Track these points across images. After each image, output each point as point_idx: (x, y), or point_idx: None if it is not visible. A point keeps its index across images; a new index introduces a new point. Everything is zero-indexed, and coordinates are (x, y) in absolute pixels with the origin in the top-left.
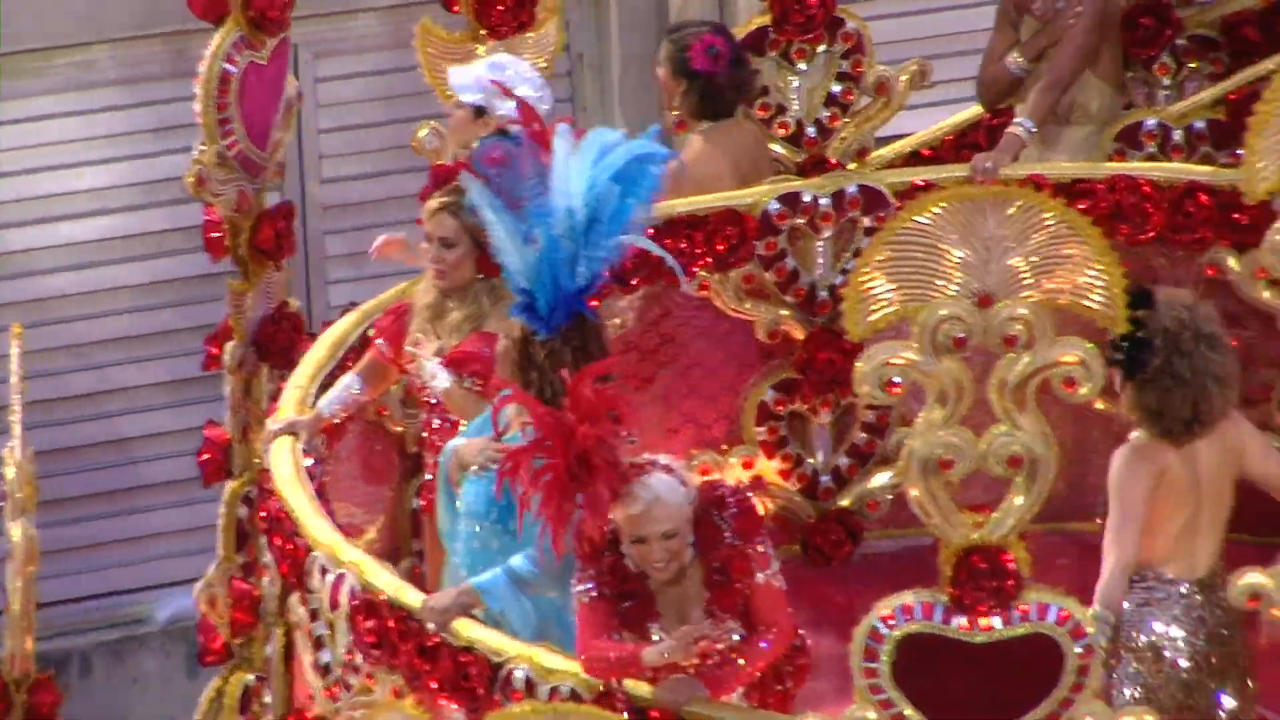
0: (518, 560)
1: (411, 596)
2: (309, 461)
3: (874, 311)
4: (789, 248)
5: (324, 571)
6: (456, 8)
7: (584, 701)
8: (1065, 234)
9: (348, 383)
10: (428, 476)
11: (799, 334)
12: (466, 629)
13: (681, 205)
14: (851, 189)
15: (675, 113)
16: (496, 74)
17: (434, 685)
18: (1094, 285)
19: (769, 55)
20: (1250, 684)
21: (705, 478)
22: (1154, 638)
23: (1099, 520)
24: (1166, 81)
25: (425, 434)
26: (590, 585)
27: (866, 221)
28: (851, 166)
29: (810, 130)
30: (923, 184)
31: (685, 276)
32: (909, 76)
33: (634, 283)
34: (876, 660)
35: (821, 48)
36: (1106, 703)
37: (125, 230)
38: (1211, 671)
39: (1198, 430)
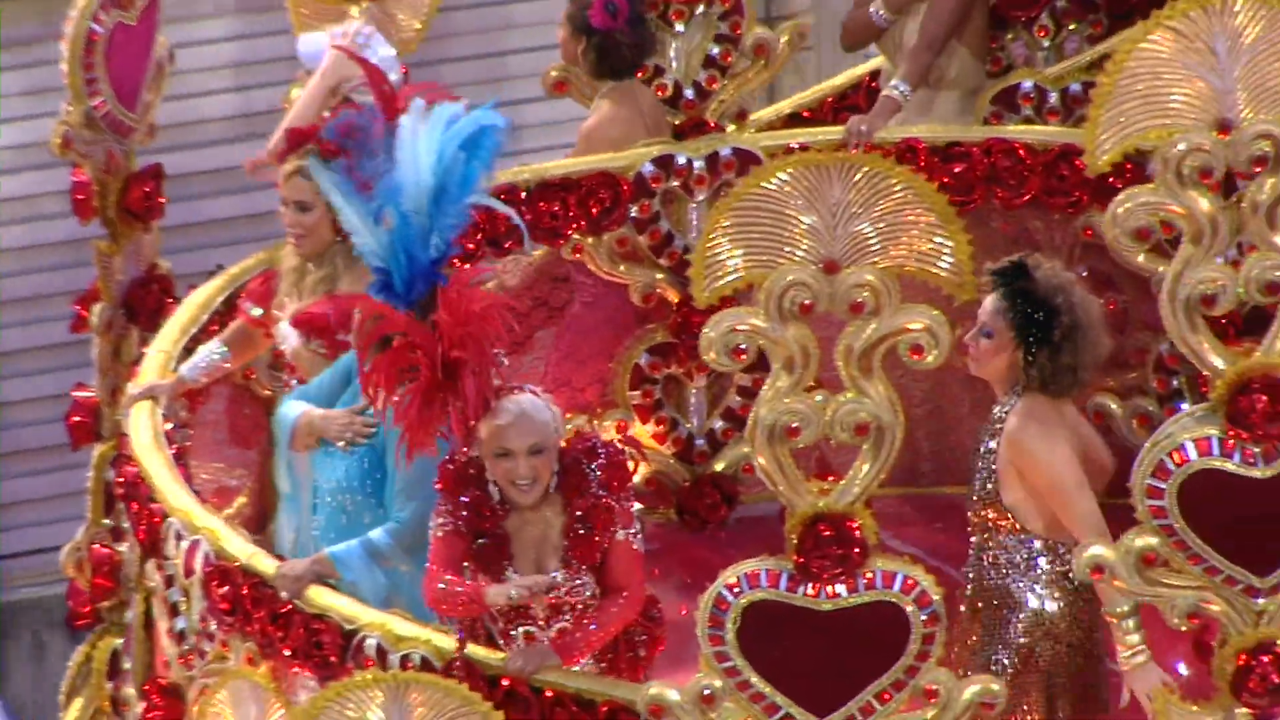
0: (376, 533)
1: (265, 563)
2: (170, 426)
3: (720, 277)
4: (663, 211)
5: (179, 538)
6: None
7: (434, 670)
8: (912, 201)
9: (212, 348)
10: None
11: (674, 297)
12: (319, 596)
13: (555, 168)
14: (725, 152)
15: (555, 73)
16: (342, 42)
17: (287, 653)
18: (941, 252)
19: (647, 16)
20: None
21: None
22: (1043, 605)
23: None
24: (1046, 43)
25: None
26: (446, 520)
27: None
28: (730, 129)
29: (688, 92)
30: (797, 146)
31: (531, 237)
32: (788, 38)
33: (507, 246)
34: (722, 628)
35: (699, 9)
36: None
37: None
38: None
39: (1085, 380)
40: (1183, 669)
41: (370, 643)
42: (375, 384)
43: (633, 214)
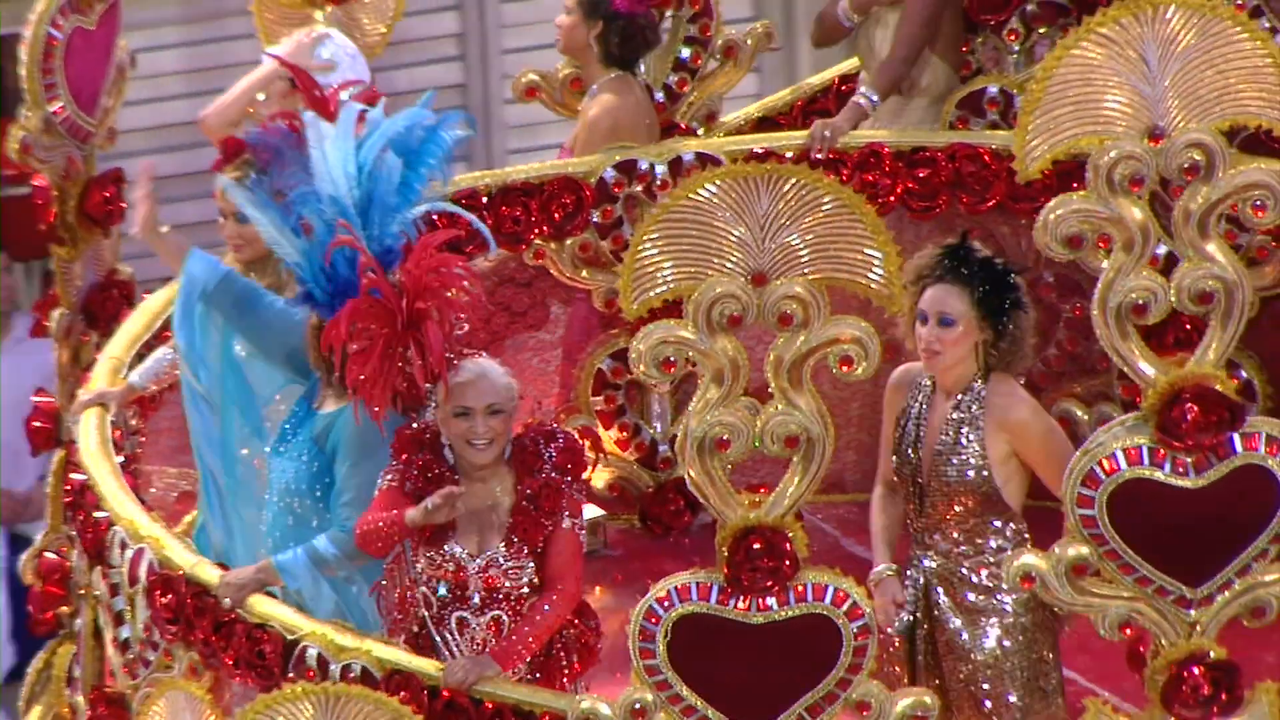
0: (320, 541)
1: (209, 572)
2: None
3: (649, 289)
4: (625, 216)
5: (124, 546)
6: None
7: (375, 681)
8: (841, 212)
9: (161, 354)
10: None
11: None
12: (261, 605)
13: (517, 173)
14: (688, 156)
15: (525, 79)
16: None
17: (229, 662)
18: (870, 263)
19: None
20: None
21: None
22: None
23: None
24: (1016, 47)
25: None
26: (395, 476)
27: None
28: (700, 131)
29: (658, 95)
30: (761, 151)
31: (494, 243)
32: (755, 39)
33: (469, 250)
34: (653, 641)
35: (669, 12)
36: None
37: None
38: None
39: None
40: None
41: (311, 653)
42: (334, 337)
43: (595, 219)
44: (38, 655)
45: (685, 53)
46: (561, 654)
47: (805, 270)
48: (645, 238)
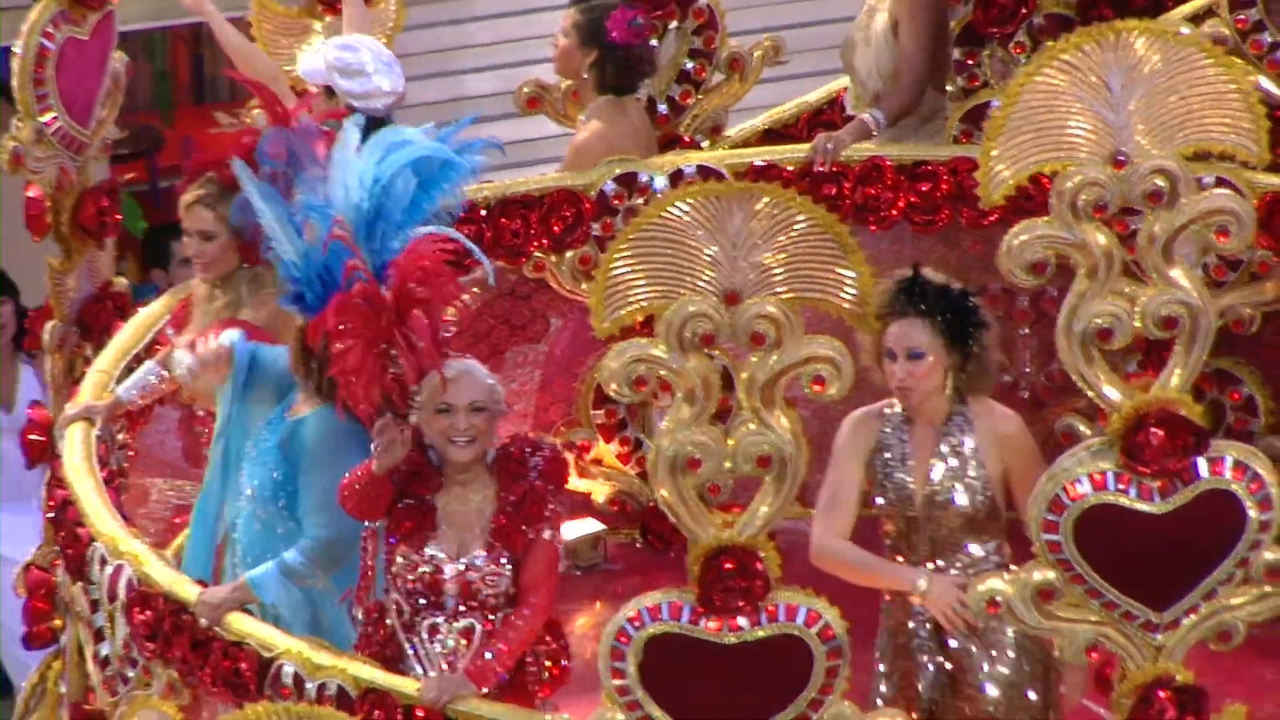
0: (290, 553)
1: (187, 590)
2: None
3: (621, 308)
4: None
5: (104, 562)
6: None
7: (349, 699)
8: (815, 232)
9: (148, 369)
10: None
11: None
12: (238, 623)
13: (517, 186)
14: (689, 170)
15: (528, 90)
16: (345, 54)
17: (207, 680)
18: (843, 282)
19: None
20: None
21: None
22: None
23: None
24: (1022, 60)
25: None
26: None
27: None
28: (705, 144)
29: (662, 107)
30: (763, 165)
31: (491, 271)
32: (762, 52)
33: (467, 264)
34: (624, 661)
35: (673, 24)
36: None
37: None
38: None
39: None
40: None
41: (288, 671)
42: (320, 330)
43: (595, 232)
44: (32, 670)
45: (689, 65)
46: (532, 671)
47: (778, 289)
48: (617, 255)
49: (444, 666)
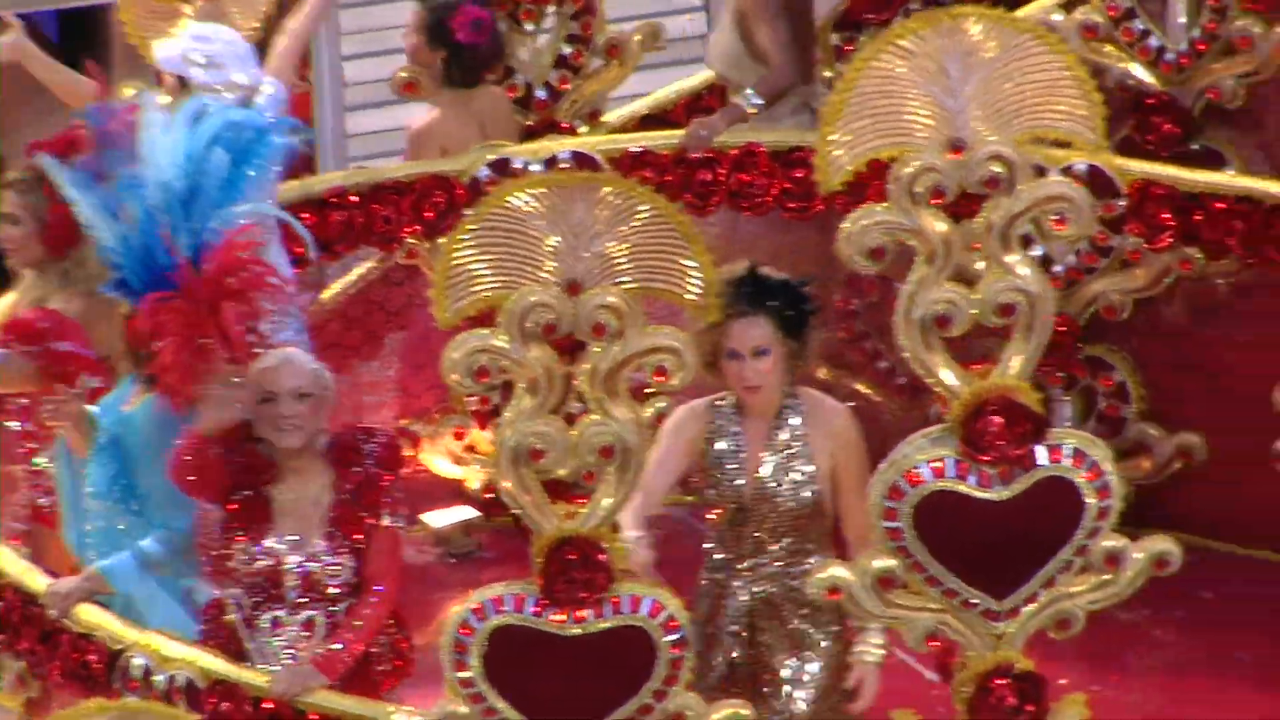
0: (147, 542)
1: (37, 580)
2: None
3: (463, 298)
4: None
5: None
6: None
7: (198, 691)
8: (658, 222)
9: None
10: None
11: None
12: (87, 615)
13: (389, 171)
14: (564, 155)
15: (404, 74)
16: (200, 44)
17: (55, 672)
18: (686, 273)
19: (497, 16)
20: None
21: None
22: None
23: None
24: None
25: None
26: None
27: None
28: (583, 130)
29: (540, 93)
30: (638, 150)
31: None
32: (641, 38)
33: (338, 249)
34: (466, 653)
35: (551, 8)
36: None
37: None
38: None
39: None
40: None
41: (137, 663)
42: (137, 333)
43: None
44: None
45: (567, 50)
46: (379, 664)
47: (621, 280)
48: (458, 245)
49: (288, 661)
